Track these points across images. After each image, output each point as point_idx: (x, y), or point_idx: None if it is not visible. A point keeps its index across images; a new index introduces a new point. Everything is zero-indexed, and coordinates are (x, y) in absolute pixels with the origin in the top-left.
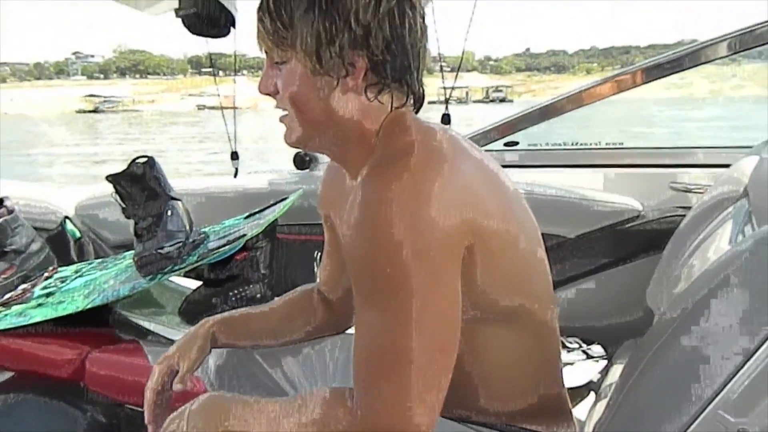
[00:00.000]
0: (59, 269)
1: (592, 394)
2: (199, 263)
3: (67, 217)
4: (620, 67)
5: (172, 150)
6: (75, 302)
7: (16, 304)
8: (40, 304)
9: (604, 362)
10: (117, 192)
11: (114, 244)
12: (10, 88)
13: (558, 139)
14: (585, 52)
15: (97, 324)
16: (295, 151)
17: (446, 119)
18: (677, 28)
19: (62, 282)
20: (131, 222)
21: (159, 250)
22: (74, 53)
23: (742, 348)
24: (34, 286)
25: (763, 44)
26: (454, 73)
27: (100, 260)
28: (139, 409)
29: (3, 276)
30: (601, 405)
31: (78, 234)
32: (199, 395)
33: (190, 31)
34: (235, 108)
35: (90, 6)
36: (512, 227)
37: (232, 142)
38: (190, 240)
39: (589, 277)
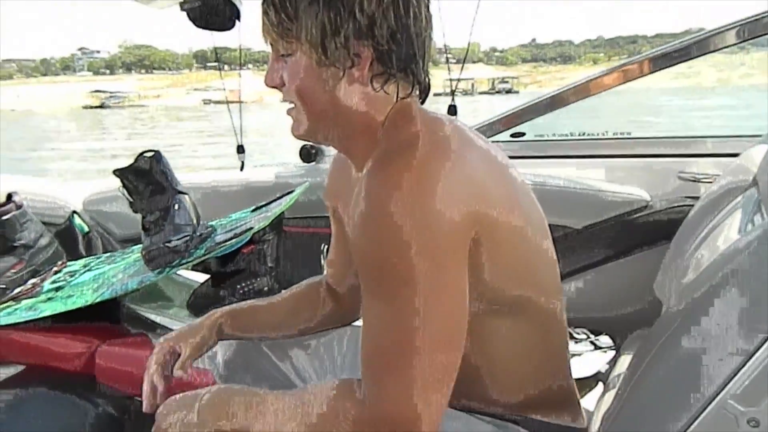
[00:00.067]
0: (68, 263)
1: (600, 385)
2: (206, 256)
3: (75, 212)
4: (627, 57)
5: (186, 145)
6: (84, 296)
7: (26, 298)
8: (49, 298)
9: (612, 353)
10: (124, 186)
11: (122, 238)
12: (16, 84)
13: (564, 130)
14: (591, 42)
15: (106, 318)
16: (301, 144)
17: (453, 110)
18: (685, 16)
19: (71, 276)
20: (139, 216)
21: (166, 244)
22: (80, 49)
23: (752, 337)
24: (43, 280)
25: None
26: (460, 65)
27: (108, 254)
28: None
29: (13, 271)
30: (610, 395)
31: (86, 228)
32: (204, 387)
33: (195, 25)
34: (240, 102)
35: (95, 1)
36: (519, 218)
37: (237, 135)
38: (198, 233)
39: (597, 267)
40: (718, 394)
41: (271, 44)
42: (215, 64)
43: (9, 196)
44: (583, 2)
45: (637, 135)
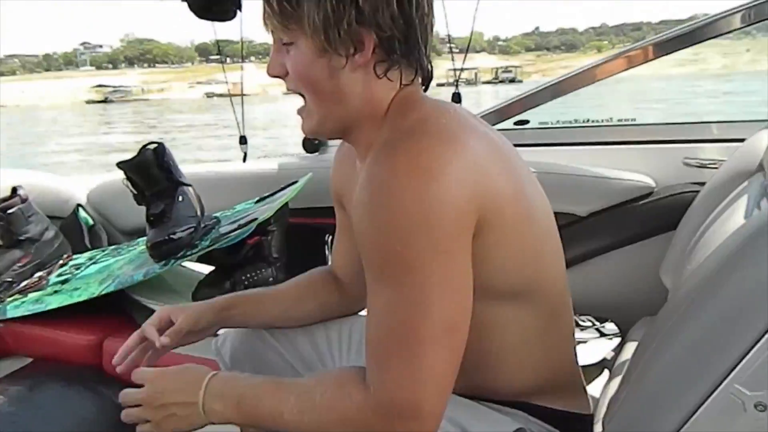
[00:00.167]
0: (74, 256)
1: (606, 372)
2: (211, 248)
3: (79, 205)
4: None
5: (196, 137)
6: (90, 288)
7: (32, 291)
8: (56, 291)
9: (618, 340)
10: (128, 179)
11: (127, 230)
12: (20, 80)
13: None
14: (595, 30)
15: (112, 310)
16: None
17: (457, 98)
18: (691, 1)
19: (77, 269)
20: (143, 208)
21: (171, 236)
22: (82, 44)
23: (758, 322)
24: (49, 273)
25: None
26: (463, 55)
27: (113, 247)
28: None
29: (19, 264)
30: (616, 382)
31: (91, 221)
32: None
33: (196, 15)
34: (243, 95)
35: None
36: (523, 204)
37: (240, 127)
38: (202, 225)
39: (602, 254)
40: (724, 379)
41: (273, 33)
42: (218, 57)
43: (14, 190)
44: None
45: (641, 121)
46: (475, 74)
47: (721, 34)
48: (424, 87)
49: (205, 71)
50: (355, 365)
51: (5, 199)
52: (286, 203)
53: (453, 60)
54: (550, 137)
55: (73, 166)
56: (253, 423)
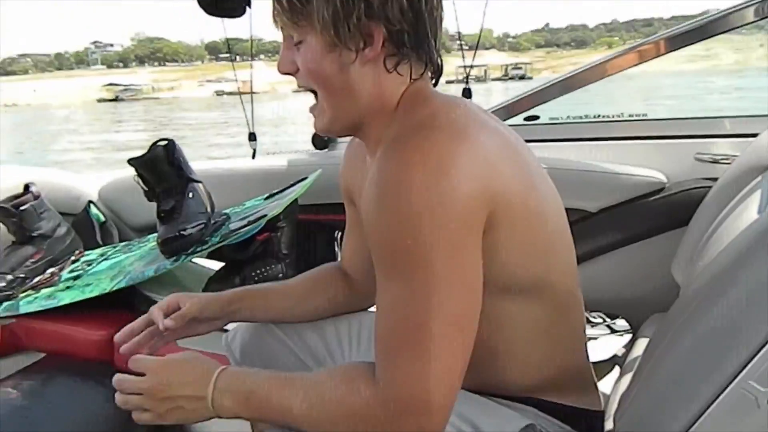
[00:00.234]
0: (85, 253)
1: (617, 369)
2: (221, 244)
3: (91, 202)
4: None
5: (208, 134)
6: (101, 284)
7: (44, 287)
8: (68, 287)
9: (629, 336)
10: (139, 175)
11: (137, 226)
12: (32, 79)
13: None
14: (606, 26)
15: (123, 305)
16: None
17: (467, 93)
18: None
19: (89, 265)
20: (154, 204)
21: (182, 232)
22: (93, 43)
23: None
24: (61, 269)
25: None
26: (473, 52)
27: (124, 243)
28: None
29: (31, 260)
30: (627, 379)
31: (102, 218)
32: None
33: (206, 12)
34: (252, 93)
35: None
36: (534, 198)
37: (249, 124)
38: (212, 221)
39: (614, 251)
40: (737, 375)
41: (282, 30)
42: (227, 55)
43: (26, 187)
44: None
45: (652, 116)
46: (485, 71)
47: (734, 28)
48: (433, 82)
49: (215, 69)
50: (365, 361)
51: (18, 196)
52: (296, 200)
53: (463, 57)
54: (560, 133)
55: (87, 163)
56: (262, 418)
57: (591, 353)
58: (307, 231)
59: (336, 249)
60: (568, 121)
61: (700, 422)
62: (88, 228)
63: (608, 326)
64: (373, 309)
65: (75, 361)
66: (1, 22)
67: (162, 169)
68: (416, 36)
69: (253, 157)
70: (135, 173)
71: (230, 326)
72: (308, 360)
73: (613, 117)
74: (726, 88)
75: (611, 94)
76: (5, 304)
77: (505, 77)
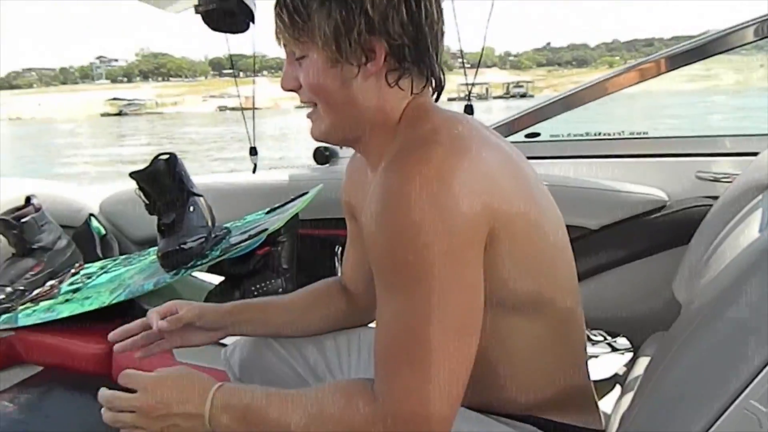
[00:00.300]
0: (85, 265)
1: (618, 387)
2: (221, 258)
3: (92, 215)
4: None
5: (213, 149)
6: (101, 297)
7: (44, 300)
8: (67, 300)
9: (630, 355)
10: (140, 188)
11: (138, 240)
12: (36, 93)
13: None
14: (607, 45)
15: (123, 319)
16: (316, 146)
17: (469, 110)
18: (703, 17)
19: (88, 278)
20: (155, 218)
21: (182, 246)
22: (98, 57)
23: None
24: (61, 282)
25: None
26: (474, 70)
27: (124, 256)
28: None
29: (31, 273)
30: (628, 398)
31: (103, 231)
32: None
33: (210, 27)
34: (254, 108)
35: (113, 10)
36: (535, 215)
37: (251, 138)
38: (213, 235)
39: (614, 268)
40: (739, 395)
41: (285, 47)
42: (231, 71)
43: (27, 200)
44: (599, 5)
45: (653, 134)
46: (486, 89)
47: (734, 48)
48: (435, 96)
49: (219, 85)
50: (364, 376)
51: (19, 209)
52: (297, 214)
53: (465, 75)
54: (561, 150)
55: (90, 177)
56: None
57: (592, 372)
58: (308, 246)
59: (336, 264)
60: (569, 138)
61: None
62: (89, 241)
63: (609, 344)
64: (373, 324)
65: (73, 375)
66: (7, 36)
67: (163, 182)
68: (417, 50)
69: (254, 171)
70: (136, 186)
71: (229, 341)
72: (307, 375)
73: (613, 134)
74: (728, 107)
75: (613, 113)
76: (4, 316)
77: (507, 95)
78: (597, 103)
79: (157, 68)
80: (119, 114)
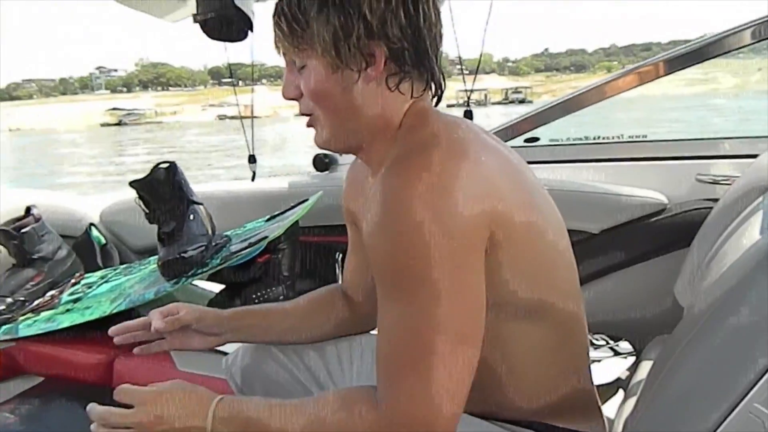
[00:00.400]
0: (86, 275)
1: (621, 392)
2: (221, 266)
3: (92, 224)
4: None
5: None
6: (102, 307)
7: (44, 310)
8: (68, 310)
9: (633, 359)
10: (140, 197)
11: (138, 249)
12: (36, 104)
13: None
14: (605, 51)
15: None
16: (315, 152)
17: (468, 115)
18: (700, 21)
19: (89, 288)
20: (155, 227)
21: (182, 254)
22: (98, 68)
23: None
24: (61, 292)
25: None
26: (473, 76)
27: (125, 266)
28: None
29: (32, 283)
30: (631, 402)
31: (103, 240)
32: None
33: (208, 36)
34: (253, 117)
35: (113, 21)
36: (536, 218)
37: (249, 146)
38: (213, 243)
39: (615, 272)
40: (743, 398)
41: (285, 55)
42: (230, 80)
43: (28, 210)
44: (597, 10)
45: (653, 138)
46: (485, 95)
47: (732, 51)
48: (436, 100)
49: (218, 94)
50: (366, 383)
51: (19, 219)
52: (297, 221)
53: (464, 81)
54: (561, 154)
55: (88, 186)
56: None
57: (594, 376)
58: (309, 253)
59: (337, 271)
60: (569, 142)
61: None
62: (89, 250)
63: (611, 348)
64: (374, 331)
65: (74, 386)
66: (6, 47)
67: (163, 191)
68: (417, 53)
69: (253, 179)
70: (136, 195)
71: (230, 349)
72: (309, 383)
73: (613, 138)
74: (727, 110)
75: (613, 117)
76: (4, 327)
77: (506, 101)
78: (596, 109)
79: (156, 78)
80: (119, 124)
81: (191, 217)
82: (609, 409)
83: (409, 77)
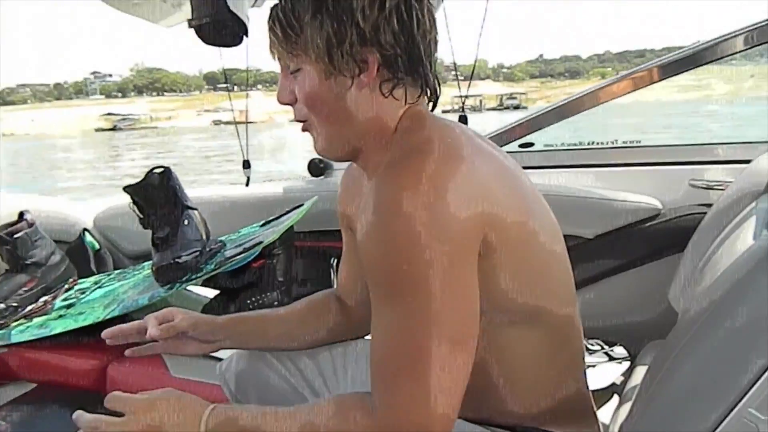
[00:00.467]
0: (79, 281)
1: (616, 397)
2: (216, 271)
3: (86, 229)
4: None
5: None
6: (95, 313)
7: (37, 316)
8: (61, 316)
9: (627, 364)
10: (134, 203)
11: (132, 254)
12: (30, 108)
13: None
14: (599, 57)
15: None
16: (310, 157)
17: (463, 120)
18: (693, 28)
19: (82, 293)
20: (149, 233)
21: (176, 260)
22: (93, 73)
23: None
24: (55, 297)
25: None
26: (467, 82)
27: (119, 271)
28: None
29: (25, 288)
30: (626, 407)
31: (97, 246)
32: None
33: (203, 41)
34: (247, 122)
35: (108, 26)
36: (530, 223)
37: (244, 152)
38: (207, 249)
39: (610, 277)
40: (737, 403)
41: (280, 60)
42: (225, 85)
43: (21, 215)
44: (591, 17)
45: (646, 143)
46: (480, 101)
47: (725, 56)
48: (432, 105)
49: (213, 99)
50: (361, 389)
51: (12, 224)
52: (292, 227)
53: (459, 87)
54: (555, 160)
55: (82, 190)
56: None
57: (589, 381)
58: (303, 258)
59: (332, 276)
60: (563, 147)
61: None
62: (83, 256)
63: (606, 354)
64: (369, 337)
65: (67, 392)
66: (1, 52)
67: (157, 196)
68: (410, 59)
69: (247, 184)
70: (130, 201)
71: (224, 355)
72: (303, 389)
73: (607, 143)
74: (721, 116)
75: (609, 123)
76: None
77: (501, 107)
78: (592, 115)
79: (151, 83)
80: (113, 129)
81: (186, 222)
82: (604, 414)
83: (402, 83)
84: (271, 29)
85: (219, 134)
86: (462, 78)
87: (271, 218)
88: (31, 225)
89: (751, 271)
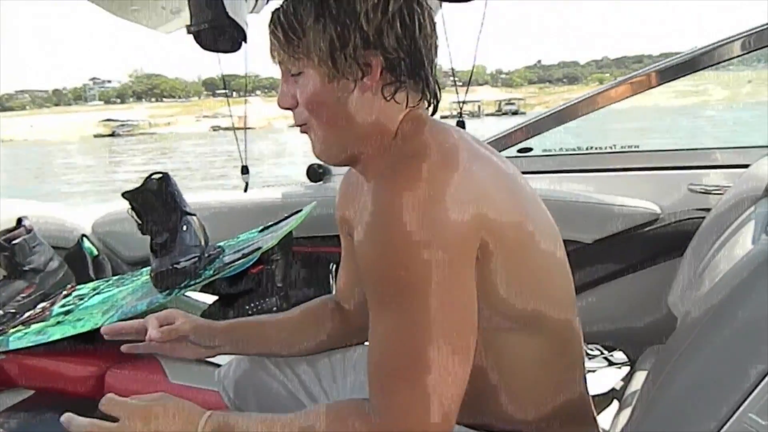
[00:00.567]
0: (77, 287)
1: (616, 402)
2: (215, 277)
3: (84, 235)
4: None
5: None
6: (93, 319)
7: (35, 322)
8: (59, 322)
9: (627, 369)
10: (133, 208)
11: (131, 260)
12: (29, 114)
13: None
14: (597, 63)
15: (114, 341)
16: (309, 162)
17: (461, 126)
18: (691, 33)
19: (80, 299)
20: (147, 238)
21: (175, 265)
22: (91, 79)
23: None
24: (53, 304)
25: None
26: (465, 87)
27: (117, 277)
28: None
29: (23, 295)
30: (626, 413)
31: (95, 252)
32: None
33: (202, 47)
34: (246, 128)
35: (107, 32)
36: (529, 227)
37: (242, 157)
38: (206, 254)
39: (609, 282)
40: (738, 409)
41: (281, 64)
42: (224, 91)
43: (19, 221)
44: (589, 23)
45: (645, 148)
46: (478, 107)
47: (723, 61)
48: (432, 109)
49: (212, 105)
50: (359, 396)
51: (10, 230)
52: (290, 232)
53: (457, 92)
54: (554, 165)
55: (79, 196)
56: None
57: (589, 387)
58: (302, 263)
59: (331, 281)
60: (561, 153)
61: None
62: (81, 262)
63: (606, 359)
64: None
65: (65, 399)
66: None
67: (156, 201)
68: (412, 63)
69: (245, 190)
70: (129, 206)
71: (222, 360)
72: (301, 395)
73: (605, 148)
74: (720, 121)
75: (609, 128)
76: None
77: (499, 113)
78: (592, 121)
79: (150, 89)
80: (112, 135)
81: (184, 227)
82: (604, 419)
83: (404, 87)
84: (272, 33)
85: (217, 140)
86: (460, 83)
87: (269, 224)
88: (29, 231)
89: (751, 275)
